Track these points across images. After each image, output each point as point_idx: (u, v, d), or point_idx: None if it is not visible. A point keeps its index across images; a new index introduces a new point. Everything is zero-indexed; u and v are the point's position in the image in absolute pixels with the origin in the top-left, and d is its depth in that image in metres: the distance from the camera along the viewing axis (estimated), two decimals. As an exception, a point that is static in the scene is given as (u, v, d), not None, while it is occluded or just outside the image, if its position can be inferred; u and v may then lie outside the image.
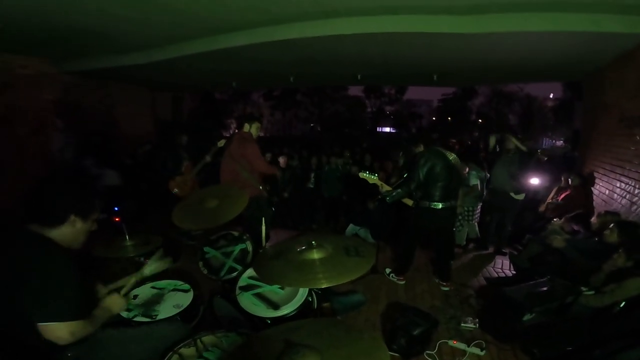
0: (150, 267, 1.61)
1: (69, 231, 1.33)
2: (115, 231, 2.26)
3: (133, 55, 4.87)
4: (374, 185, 3.25)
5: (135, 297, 1.97)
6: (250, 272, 2.09)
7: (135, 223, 3.69)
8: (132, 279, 1.56)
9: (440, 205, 3.03)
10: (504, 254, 4.18)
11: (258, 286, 1.99)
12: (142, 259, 2.18)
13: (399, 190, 3.10)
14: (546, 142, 26.68)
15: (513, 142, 4.06)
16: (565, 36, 3.37)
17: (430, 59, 4.74)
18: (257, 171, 3.40)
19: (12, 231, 1.32)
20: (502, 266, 3.99)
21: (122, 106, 7.25)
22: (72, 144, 5.49)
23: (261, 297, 1.92)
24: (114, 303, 1.43)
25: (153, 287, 2.06)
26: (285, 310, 1.78)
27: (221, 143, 3.94)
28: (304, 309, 1.79)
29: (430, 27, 3.32)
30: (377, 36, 3.49)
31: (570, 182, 4.83)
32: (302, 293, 1.87)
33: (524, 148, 4.03)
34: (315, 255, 1.60)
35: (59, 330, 1.19)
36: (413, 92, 28.08)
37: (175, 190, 4.23)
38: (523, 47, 3.96)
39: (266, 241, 2.32)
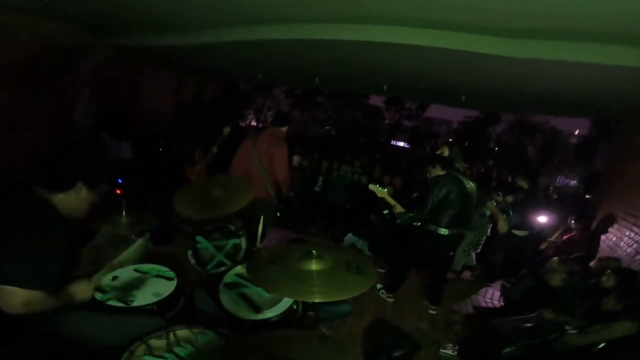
0: (128, 254, 1.58)
1: (73, 199, 1.35)
2: (113, 204, 2.16)
3: (170, 37, 4.91)
4: (380, 198, 3.25)
5: (114, 278, 1.86)
6: (238, 269, 2.04)
7: (136, 200, 3.70)
8: (109, 267, 1.51)
9: (446, 232, 2.99)
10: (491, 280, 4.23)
11: (244, 285, 1.92)
12: (133, 236, 2.10)
13: (412, 215, 3.04)
14: (560, 180, 26.15)
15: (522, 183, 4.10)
16: (612, 70, 3.21)
17: (463, 79, 4.62)
18: (274, 176, 3.18)
19: (16, 191, 1.33)
20: (492, 297, 3.99)
21: (148, 84, 7.39)
22: (93, 114, 5.62)
23: (245, 297, 1.85)
24: (80, 291, 1.38)
25: (136, 270, 1.96)
26: (266, 315, 1.70)
27: (226, 130, 3.95)
28: (287, 316, 1.72)
29: (472, 47, 3.15)
30: (411, 48, 3.40)
31: (573, 225, 4.80)
32: (288, 299, 1.80)
33: (526, 186, 4.07)
34: (314, 266, 1.52)
35: (12, 296, 1.14)
36: (434, 110, 27.90)
37: (192, 178, 4.27)
38: (564, 78, 3.78)
39: (261, 241, 2.32)
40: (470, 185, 3.07)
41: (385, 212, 4.20)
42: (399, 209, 3.10)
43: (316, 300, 1.35)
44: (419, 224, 3.14)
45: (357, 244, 4.81)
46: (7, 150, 4.70)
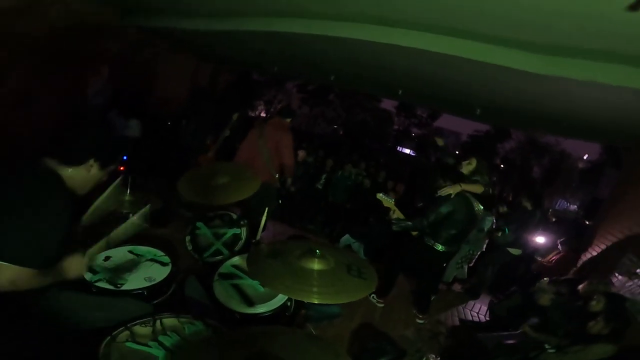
0: (125, 229, 1.55)
1: (82, 175, 1.33)
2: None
3: (195, 21, 4.86)
4: (379, 203, 3.27)
5: (107, 258, 1.81)
6: (236, 260, 2.00)
7: (139, 179, 3.64)
8: (103, 242, 1.46)
9: (443, 249, 3.01)
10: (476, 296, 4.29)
11: (239, 277, 1.88)
12: (131, 215, 2.09)
13: (410, 223, 3.04)
14: (560, 203, 26.01)
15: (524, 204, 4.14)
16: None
17: (482, 92, 4.53)
18: (279, 160, 3.37)
19: (21, 161, 1.30)
20: (479, 311, 4.05)
21: (165, 67, 7.41)
22: (107, 93, 5.65)
23: (238, 289, 1.81)
24: (73, 266, 1.32)
25: (130, 252, 1.90)
26: (258, 309, 1.67)
27: (235, 116, 4.02)
28: (278, 313, 1.69)
29: (497, 59, 3.04)
30: (434, 55, 3.32)
31: (560, 247, 4.87)
32: (282, 296, 1.76)
33: (530, 207, 4.10)
34: (316, 265, 1.48)
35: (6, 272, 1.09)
36: (444, 121, 27.64)
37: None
38: (587, 100, 3.63)
39: (262, 232, 2.31)
40: (479, 208, 3.06)
41: (387, 219, 4.24)
42: (397, 214, 3.11)
43: (314, 302, 1.33)
44: (418, 237, 3.14)
45: (353, 246, 4.84)
46: (17, 122, 4.74)
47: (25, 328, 1.21)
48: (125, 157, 4.26)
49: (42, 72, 5.00)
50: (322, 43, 4.12)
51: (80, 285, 1.52)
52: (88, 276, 1.61)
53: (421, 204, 3.29)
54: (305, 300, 1.32)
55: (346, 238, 4.86)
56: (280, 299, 1.70)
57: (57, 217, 1.21)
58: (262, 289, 1.78)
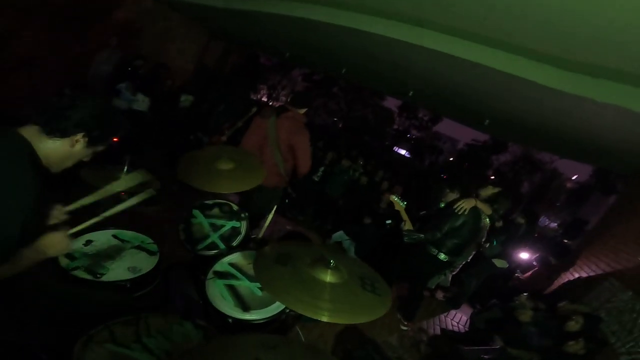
0: (126, 181, 1.43)
1: (63, 150, 1.14)
2: (111, 156, 1.85)
3: None
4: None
5: (88, 242, 1.61)
6: (233, 257, 1.84)
7: (134, 154, 3.42)
8: (92, 221, 1.28)
9: (446, 258, 3.02)
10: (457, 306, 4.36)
11: (235, 277, 1.70)
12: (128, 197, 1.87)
13: (422, 236, 3.00)
14: (542, 220, 26.53)
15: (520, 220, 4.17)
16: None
17: (497, 103, 4.44)
18: (292, 162, 2.89)
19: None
20: (460, 320, 4.12)
21: (177, 40, 7.24)
22: (115, 61, 5.44)
23: (233, 290, 1.64)
24: (53, 243, 1.14)
25: (115, 237, 1.72)
26: (253, 316, 1.52)
27: (254, 110, 3.85)
28: (274, 320, 1.54)
29: (526, 73, 2.92)
30: (460, 61, 3.19)
31: (547, 263, 4.95)
32: (280, 304, 1.56)
33: (522, 221, 4.17)
34: (329, 277, 1.34)
35: None
36: (444, 126, 27.74)
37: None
38: (608, 124, 3.47)
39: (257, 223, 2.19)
40: (486, 221, 3.07)
41: (388, 222, 4.18)
42: (408, 225, 3.04)
43: (324, 320, 1.17)
44: (421, 244, 3.12)
45: (344, 243, 4.80)
46: (17, 86, 4.54)
47: None
48: (127, 132, 4.09)
49: (51, 35, 4.82)
50: (344, 35, 3.98)
51: (54, 272, 1.37)
52: (64, 262, 1.43)
53: (424, 212, 3.23)
54: (319, 319, 1.17)
55: (339, 234, 4.82)
56: (277, 307, 1.55)
57: (12, 200, 0.99)
58: (259, 292, 1.64)
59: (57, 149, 1.13)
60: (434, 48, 3.18)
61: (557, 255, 5.56)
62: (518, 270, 5.16)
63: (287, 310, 1.57)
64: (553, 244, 8.20)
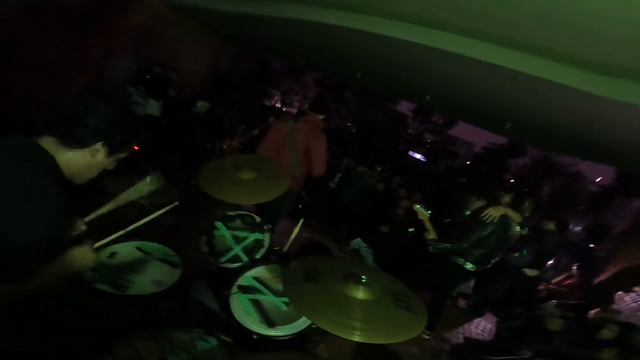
0: (136, 191, 1.42)
1: (84, 160, 1.11)
2: (131, 165, 1.84)
3: (227, 3, 4.74)
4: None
5: (112, 255, 1.60)
6: (257, 271, 1.80)
7: (154, 161, 3.42)
8: (117, 235, 1.26)
9: (473, 268, 2.92)
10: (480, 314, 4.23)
11: (260, 292, 1.66)
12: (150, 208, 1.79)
13: (448, 246, 2.92)
14: (566, 225, 25.52)
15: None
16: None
17: (520, 106, 4.28)
18: (308, 167, 2.96)
19: (11, 136, 1.04)
20: (484, 329, 3.99)
21: (189, 46, 7.32)
22: (132, 67, 5.55)
23: (258, 305, 1.59)
24: (79, 257, 1.13)
25: (138, 249, 1.71)
26: (279, 332, 1.47)
27: (272, 119, 3.86)
28: (299, 335, 1.48)
29: (552, 75, 2.82)
30: (482, 64, 3.10)
31: (574, 271, 4.74)
32: (306, 320, 1.50)
33: (554, 229, 4.06)
34: (361, 294, 1.28)
35: None
36: (460, 130, 27.30)
37: (227, 150, 4.25)
38: (636, 125, 3.34)
39: (274, 231, 2.13)
40: (516, 230, 2.96)
41: (411, 229, 4.10)
42: (432, 235, 2.97)
43: (355, 339, 1.11)
44: (446, 255, 3.03)
45: (362, 251, 4.73)
46: (34, 90, 4.66)
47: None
48: (143, 139, 4.14)
49: (66, 39, 4.92)
50: (361, 39, 3.92)
51: (77, 286, 1.35)
52: (87, 275, 1.41)
53: (449, 219, 3.14)
54: (351, 339, 1.11)
55: (357, 242, 4.76)
56: (303, 322, 1.50)
57: (38, 215, 0.96)
58: (284, 307, 1.59)
59: (77, 160, 1.10)
60: (454, 51, 3.08)
61: (583, 260, 5.36)
62: (544, 278, 4.98)
63: (313, 326, 1.51)
64: (578, 249, 7.91)
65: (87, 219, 1.32)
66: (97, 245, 1.21)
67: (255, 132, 4.15)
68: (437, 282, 3.21)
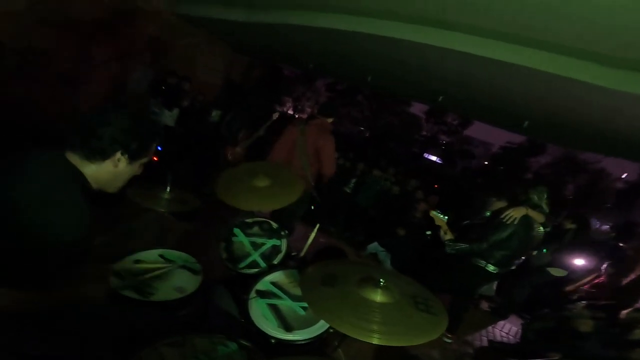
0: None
1: (108, 170, 1.15)
2: (152, 176, 1.90)
3: (237, 12, 4.87)
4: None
5: (137, 262, 1.67)
6: (275, 276, 1.82)
7: (173, 170, 3.53)
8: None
9: (496, 270, 2.85)
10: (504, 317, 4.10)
11: (278, 297, 1.68)
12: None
13: (466, 246, 2.85)
14: (592, 223, 24.47)
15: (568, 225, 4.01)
16: None
17: (538, 104, 4.22)
18: (318, 167, 3.11)
19: (42, 151, 1.09)
20: (509, 331, 3.86)
21: (203, 57, 7.52)
22: (148, 79, 5.72)
23: (276, 310, 1.60)
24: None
25: (161, 256, 1.77)
26: (297, 336, 1.48)
27: (275, 116, 3.92)
28: (317, 340, 1.50)
29: (569, 72, 2.77)
30: (497, 64, 3.08)
31: (603, 270, 4.54)
32: (324, 323, 1.51)
33: (572, 227, 4.00)
34: (379, 297, 1.28)
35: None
36: (475, 130, 26.69)
37: (230, 157, 4.28)
38: None
39: (291, 235, 2.14)
40: (540, 231, 2.86)
41: (428, 232, 4.05)
42: (449, 235, 2.91)
43: (374, 342, 1.12)
44: (467, 257, 2.97)
45: (379, 254, 4.69)
46: (62, 104, 4.86)
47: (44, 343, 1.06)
48: (160, 148, 4.24)
49: (90, 52, 5.14)
50: (369, 42, 3.94)
51: (104, 294, 1.38)
52: (115, 281, 1.46)
53: (468, 221, 3.08)
54: (370, 342, 1.12)
55: (374, 246, 4.72)
56: (321, 326, 1.50)
57: (74, 227, 1.02)
58: (302, 312, 1.60)
59: (102, 172, 1.14)
60: (465, 50, 3.07)
61: (612, 259, 5.14)
62: (572, 278, 4.80)
63: (331, 330, 1.51)
64: (607, 248, 7.58)
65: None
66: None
67: (261, 132, 4.17)
68: (458, 284, 3.14)
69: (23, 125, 4.04)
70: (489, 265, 2.83)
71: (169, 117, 5.54)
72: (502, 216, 2.77)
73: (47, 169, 1.04)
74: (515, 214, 2.74)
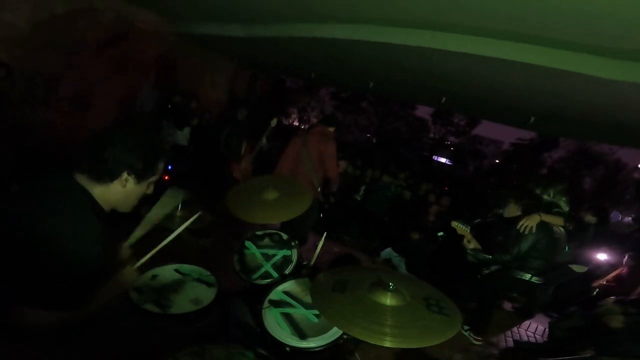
0: (161, 208, 1.48)
1: (117, 191, 1.16)
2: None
3: (235, 27, 4.98)
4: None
5: (153, 277, 1.71)
6: (287, 285, 1.85)
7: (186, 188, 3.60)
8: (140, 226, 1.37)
9: (533, 279, 2.84)
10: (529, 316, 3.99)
11: (291, 305, 1.70)
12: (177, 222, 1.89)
13: (489, 257, 2.82)
14: (614, 215, 23.69)
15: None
16: None
17: (543, 99, 4.20)
18: (323, 172, 3.27)
19: (55, 177, 1.12)
20: (536, 330, 3.75)
21: (206, 74, 7.68)
22: (155, 100, 5.87)
23: (290, 319, 1.63)
24: (125, 276, 1.23)
25: (176, 271, 1.81)
26: (311, 343, 1.49)
27: (274, 122, 3.99)
28: (332, 346, 1.51)
29: (570, 65, 2.76)
30: (497, 61, 3.09)
31: (624, 262, 4.38)
32: (337, 330, 1.52)
33: (594, 222, 3.90)
34: (389, 300, 1.29)
35: (33, 317, 0.97)
36: (484, 128, 26.35)
37: (237, 174, 4.31)
38: None
39: (303, 244, 2.17)
40: (560, 230, 2.88)
41: (440, 234, 4.01)
42: (474, 244, 2.86)
43: (387, 345, 1.13)
44: (504, 269, 2.94)
45: (393, 260, 4.66)
46: (76, 126, 5.03)
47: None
48: (170, 167, 4.31)
49: (96, 76, 5.28)
50: (368, 49, 3.99)
51: (125, 306, 1.44)
52: (135, 296, 1.51)
53: (479, 220, 3.06)
54: (382, 345, 1.13)
55: (388, 251, 4.69)
56: (335, 333, 1.52)
57: (89, 249, 1.04)
58: (315, 319, 1.62)
59: (111, 192, 1.15)
60: (464, 51, 3.10)
61: (636, 252, 4.97)
62: (597, 273, 4.65)
63: (345, 336, 1.52)
64: (631, 240, 7.31)
65: (128, 242, 1.44)
66: (138, 264, 1.30)
67: (263, 142, 4.21)
68: (493, 292, 3.10)
69: (39, 151, 4.19)
70: (532, 277, 2.82)
71: (182, 137, 5.67)
72: (518, 227, 2.74)
73: (64, 200, 1.07)
74: (529, 222, 2.70)
